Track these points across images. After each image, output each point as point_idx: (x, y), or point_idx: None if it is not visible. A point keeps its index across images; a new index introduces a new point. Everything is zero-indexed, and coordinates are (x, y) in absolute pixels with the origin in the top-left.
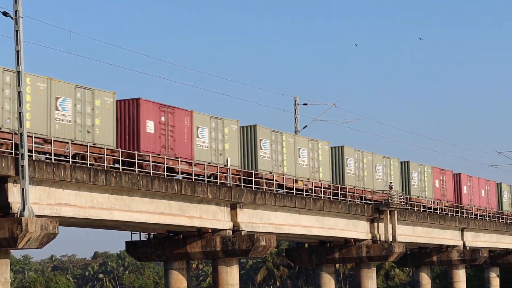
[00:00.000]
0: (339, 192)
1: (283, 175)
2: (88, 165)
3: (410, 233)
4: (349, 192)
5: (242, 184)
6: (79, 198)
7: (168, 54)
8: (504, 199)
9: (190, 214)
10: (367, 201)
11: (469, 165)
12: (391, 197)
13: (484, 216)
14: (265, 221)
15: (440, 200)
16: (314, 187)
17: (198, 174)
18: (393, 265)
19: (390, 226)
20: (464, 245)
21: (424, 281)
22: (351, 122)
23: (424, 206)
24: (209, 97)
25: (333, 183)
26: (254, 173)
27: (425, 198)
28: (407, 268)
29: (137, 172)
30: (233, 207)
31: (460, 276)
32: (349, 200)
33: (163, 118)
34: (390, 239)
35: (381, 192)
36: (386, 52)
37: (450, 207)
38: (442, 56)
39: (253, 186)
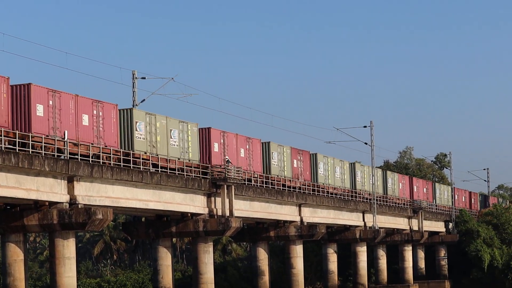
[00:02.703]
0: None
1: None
2: None
3: (247, 208)
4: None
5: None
6: None
7: (3, 26)
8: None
9: (27, 186)
10: (204, 176)
11: (307, 141)
12: (228, 172)
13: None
14: (102, 194)
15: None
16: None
17: None
18: (230, 240)
19: (227, 201)
20: (301, 220)
21: (261, 256)
22: (189, 96)
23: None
24: (48, 70)
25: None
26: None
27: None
28: (244, 243)
29: None
30: (70, 180)
31: (298, 252)
32: (187, 174)
33: None
34: (227, 214)
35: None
36: (224, 27)
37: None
38: (280, 34)
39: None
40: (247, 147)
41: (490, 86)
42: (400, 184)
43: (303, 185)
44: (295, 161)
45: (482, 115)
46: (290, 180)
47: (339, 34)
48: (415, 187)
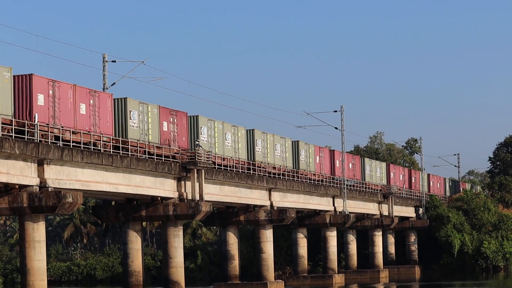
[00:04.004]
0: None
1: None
2: None
3: (217, 192)
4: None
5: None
6: None
7: None
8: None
9: None
10: (174, 160)
11: (278, 126)
12: (198, 156)
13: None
14: (72, 177)
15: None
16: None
17: None
18: (200, 224)
19: (197, 185)
20: (271, 205)
21: (231, 241)
22: (159, 79)
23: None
24: (17, 52)
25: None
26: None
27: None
28: (214, 227)
29: None
30: (40, 163)
31: (268, 236)
32: (156, 158)
33: None
34: (197, 198)
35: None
36: (194, 11)
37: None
38: (250, 18)
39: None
40: (91, 102)
41: (460, 72)
42: (317, 158)
43: (176, 153)
44: (165, 124)
45: (453, 100)
46: (158, 147)
47: (309, 19)
48: (337, 162)
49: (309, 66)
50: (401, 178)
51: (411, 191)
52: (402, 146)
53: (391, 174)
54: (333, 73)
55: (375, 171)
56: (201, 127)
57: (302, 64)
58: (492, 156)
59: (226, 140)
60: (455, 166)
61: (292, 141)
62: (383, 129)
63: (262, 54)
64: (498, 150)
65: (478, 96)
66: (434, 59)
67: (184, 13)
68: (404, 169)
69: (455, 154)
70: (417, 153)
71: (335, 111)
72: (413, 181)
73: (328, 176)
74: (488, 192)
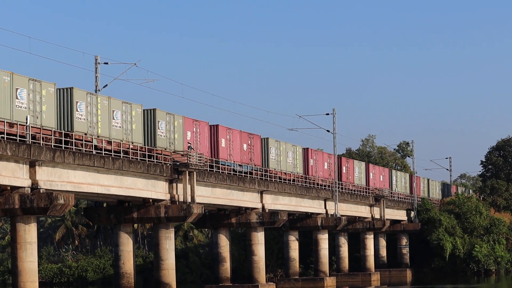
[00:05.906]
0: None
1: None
2: None
3: (209, 195)
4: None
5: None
6: None
7: None
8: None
9: None
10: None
11: (270, 128)
12: (190, 158)
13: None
14: (64, 179)
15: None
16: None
17: None
18: (192, 226)
19: (189, 187)
20: (263, 207)
21: (223, 243)
22: (151, 82)
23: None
24: (10, 54)
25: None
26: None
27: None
28: (206, 230)
29: None
30: (32, 165)
31: (259, 239)
32: (148, 160)
33: None
34: (189, 200)
35: (180, 152)
36: (187, 14)
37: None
38: (244, 20)
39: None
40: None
41: (453, 75)
42: (189, 133)
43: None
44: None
45: (445, 104)
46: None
47: (302, 21)
48: (222, 141)
49: (302, 69)
50: (325, 167)
51: (342, 183)
52: (394, 149)
53: (310, 161)
54: (326, 75)
55: (285, 156)
56: (77, 102)
57: (294, 67)
58: (484, 159)
59: (115, 119)
60: (447, 169)
61: (144, 110)
62: (375, 132)
63: (254, 56)
64: (490, 154)
65: (470, 99)
66: (427, 62)
67: (177, 16)
68: (330, 156)
69: (447, 158)
70: (409, 157)
71: (327, 114)
72: (343, 171)
73: (209, 159)
74: (480, 196)
